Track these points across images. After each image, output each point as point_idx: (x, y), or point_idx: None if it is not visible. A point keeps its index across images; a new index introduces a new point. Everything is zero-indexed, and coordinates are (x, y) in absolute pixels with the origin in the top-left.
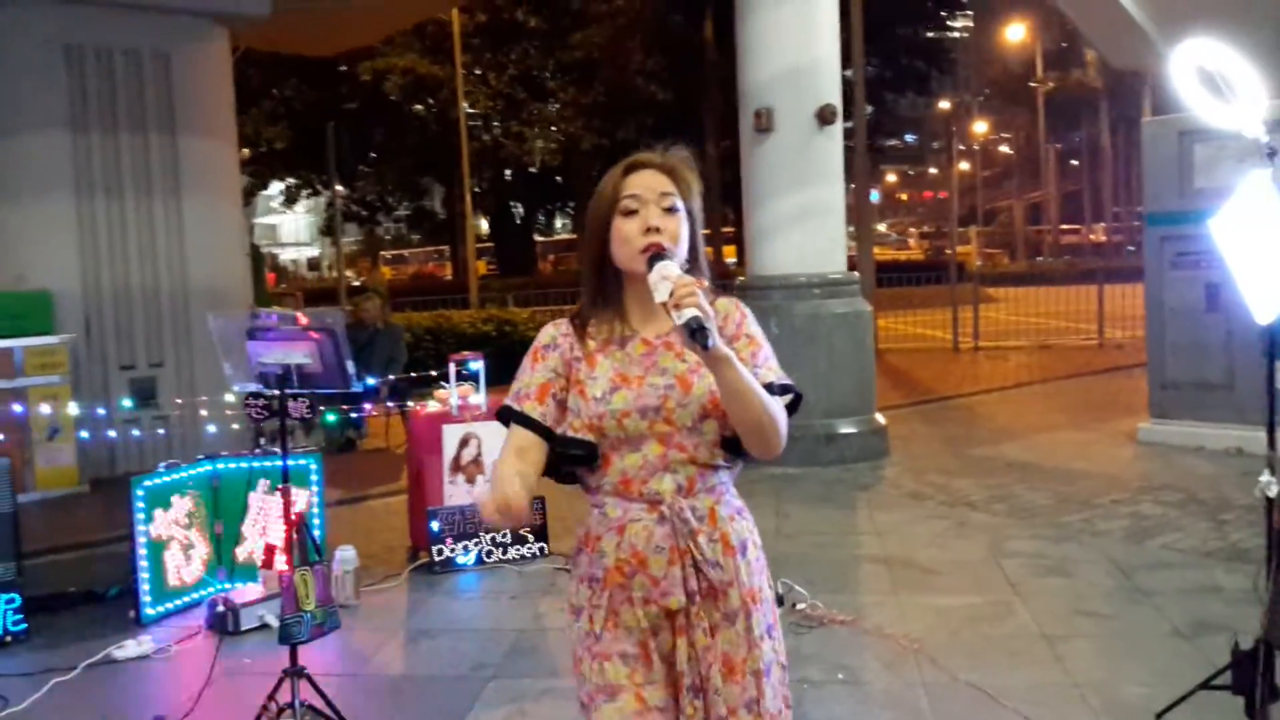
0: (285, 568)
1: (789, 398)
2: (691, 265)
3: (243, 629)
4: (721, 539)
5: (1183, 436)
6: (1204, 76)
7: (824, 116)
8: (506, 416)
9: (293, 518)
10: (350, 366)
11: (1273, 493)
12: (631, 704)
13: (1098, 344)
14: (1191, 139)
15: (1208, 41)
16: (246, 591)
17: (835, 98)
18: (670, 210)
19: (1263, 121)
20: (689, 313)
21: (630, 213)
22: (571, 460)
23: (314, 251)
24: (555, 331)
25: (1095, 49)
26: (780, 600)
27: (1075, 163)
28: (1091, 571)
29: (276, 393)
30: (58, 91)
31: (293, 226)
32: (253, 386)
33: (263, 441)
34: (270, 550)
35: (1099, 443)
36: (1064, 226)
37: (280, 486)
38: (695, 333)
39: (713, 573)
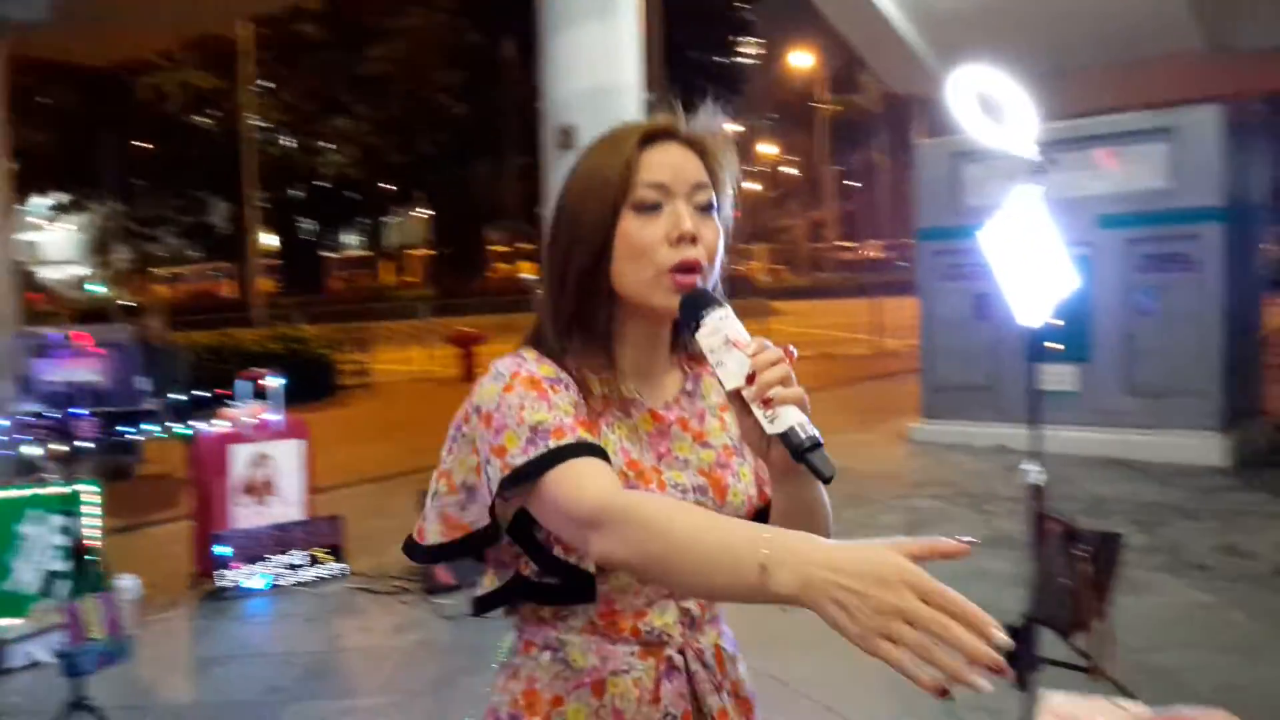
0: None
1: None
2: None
3: (12, 667)
4: (734, 690)
5: (951, 435)
6: (980, 100)
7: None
8: (556, 458)
9: (76, 545)
10: (142, 383)
11: (1037, 479)
12: None
13: (873, 352)
14: (963, 159)
15: (982, 67)
16: (15, 627)
17: (637, 117)
18: (706, 209)
19: (1034, 141)
20: (790, 417)
21: (650, 208)
22: (543, 593)
23: (82, 270)
24: (547, 365)
25: (877, 74)
26: None
27: (853, 184)
28: None
29: (60, 413)
30: None
31: (57, 244)
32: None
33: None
34: (50, 578)
35: (876, 443)
36: (842, 243)
37: (64, 510)
38: (807, 451)
39: None
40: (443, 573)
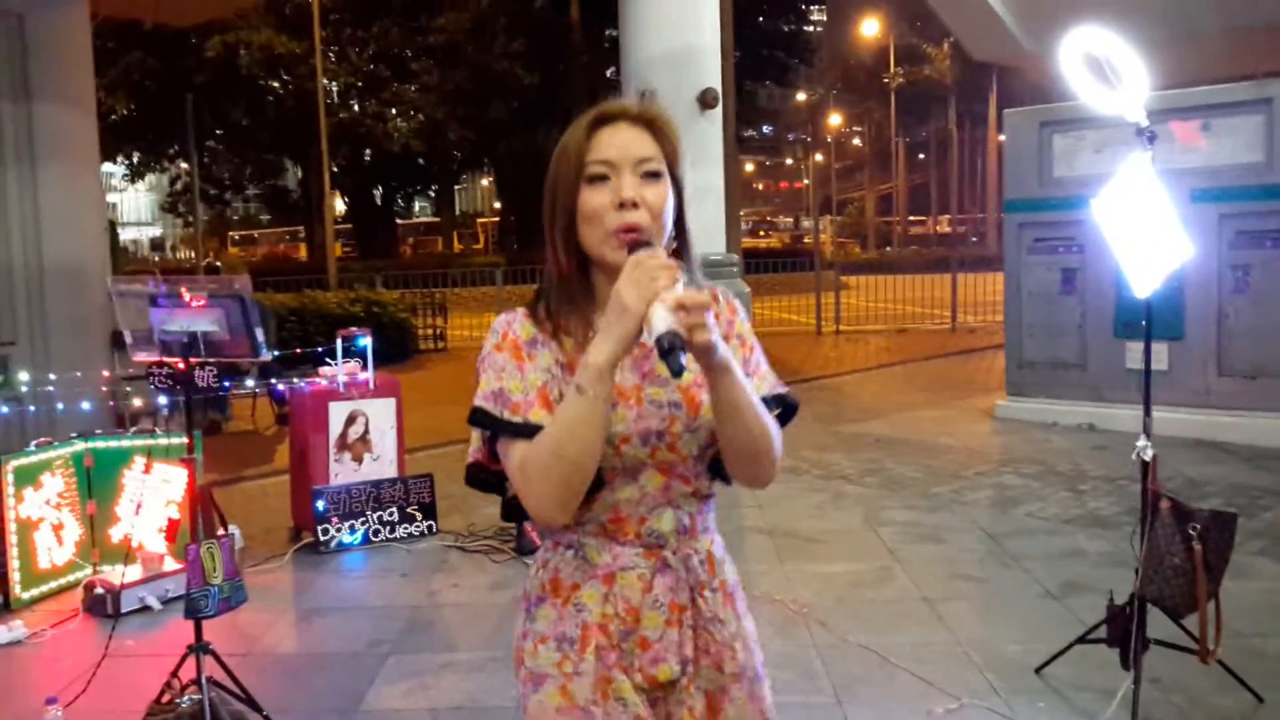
0: (188, 541)
1: (778, 410)
2: (679, 246)
3: (123, 611)
4: (720, 588)
5: (1037, 413)
6: (1089, 63)
7: (706, 100)
8: (506, 431)
9: (197, 491)
10: (260, 334)
11: (1148, 456)
12: None
13: (950, 328)
14: (1051, 130)
15: (1098, 30)
16: (125, 573)
17: (716, 82)
18: (651, 176)
19: (1143, 108)
20: (661, 326)
21: (598, 179)
22: None
23: (156, 231)
24: (530, 325)
25: (957, 40)
26: None
27: (923, 156)
28: (963, 538)
29: (180, 361)
30: None
31: (133, 205)
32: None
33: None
34: (173, 525)
35: (960, 419)
36: (911, 218)
37: (185, 458)
38: (666, 354)
39: (715, 632)
40: (534, 533)
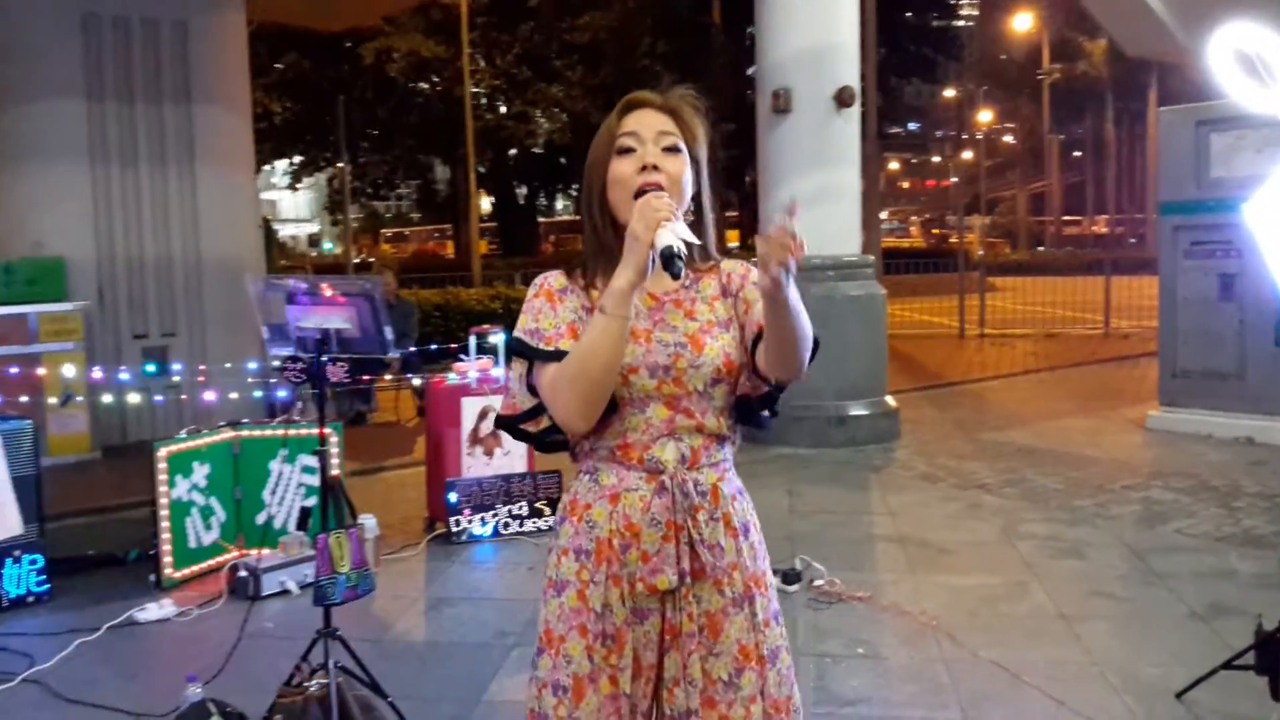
0: (319, 530)
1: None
2: (697, 219)
3: (264, 594)
4: (723, 519)
5: (1191, 424)
6: (1242, 61)
7: (842, 99)
8: (538, 357)
9: (327, 481)
10: (388, 332)
11: None
12: (607, 687)
13: (1103, 333)
14: (1209, 129)
15: (1251, 25)
16: (267, 557)
17: (854, 80)
18: (671, 150)
19: None
20: (661, 243)
21: (626, 151)
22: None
23: (314, 228)
24: (562, 279)
25: (1112, 37)
26: (798, 576)
27: (1078, 154)
28: (1106, 554)
29: (313, 356)
30: (74, 59)
31: (292, 203)
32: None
33: (297, 409)
34: (304, 512)
35: (1108, 429)
36: (1066, 217)
37: (317, 450)
38: (668, 262)
39: (707, 554)
40: None
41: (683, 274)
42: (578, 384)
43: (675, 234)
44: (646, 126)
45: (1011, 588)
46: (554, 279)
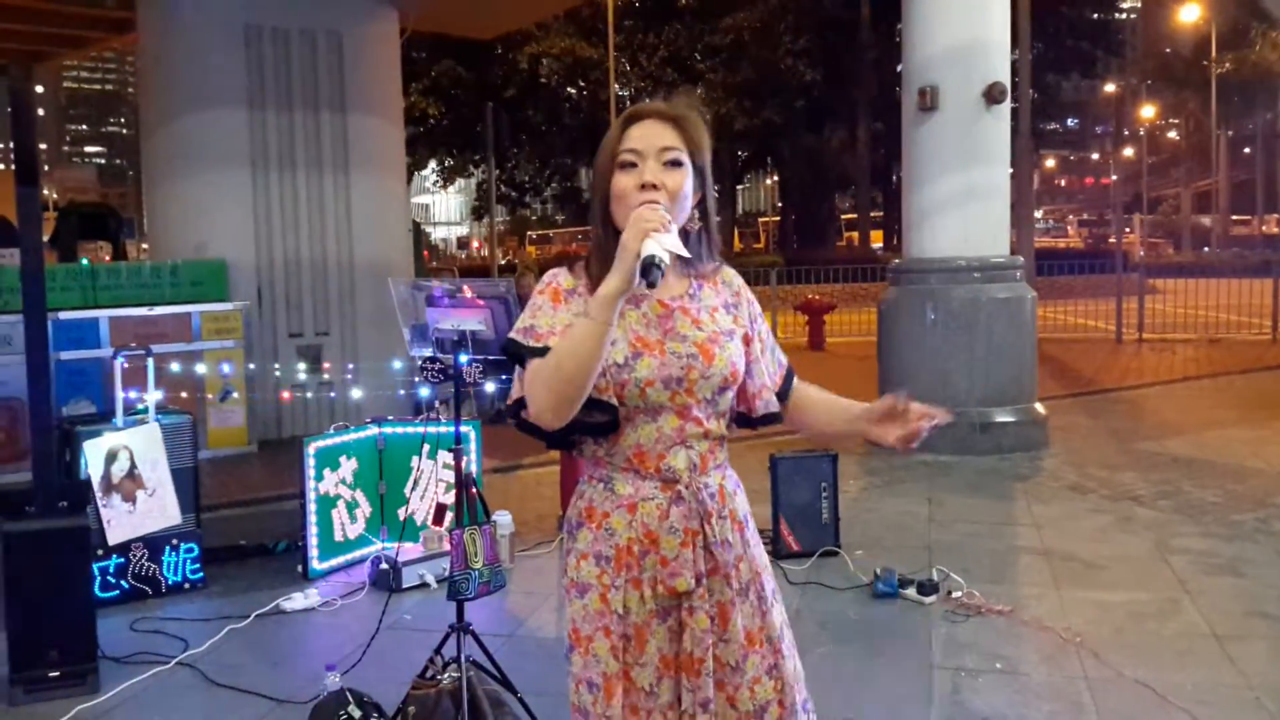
0: (454, 526)
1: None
2: (703, 228)
3: (403, 586)
4: (730, 515)
5: None
6: None
7: (992, 95)
8: (525, 354)
9: (462, 479)
10: None
11: None
12: (633, 685)
13: (1270, 339)
14: None
15: None
16: (407, 550)
17: (1004, 76)
18: (673, 165)
19: None
20: (645, 251)
21: (628, 166)
22: (587, 428)
23: (463, 230)
24: (571, 279)
25: None
26: (935, 587)
27: (1247, 150)
28: (1266, 572)
29: (451, 357)
30: (237, 69)
31: (444, 206)
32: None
33: (437, 408)
34: (440, 509)
35: (1273, 440)
36: (1234, 217)
37: (453, 448)
38: (645, 271)
39: (721, 553)
40: (790, 538)
41: (659, 283)
42: (553, 381)
43: (661, 245)
44: (648, 141)
45: (1162, 605)
46: (563, 278)
